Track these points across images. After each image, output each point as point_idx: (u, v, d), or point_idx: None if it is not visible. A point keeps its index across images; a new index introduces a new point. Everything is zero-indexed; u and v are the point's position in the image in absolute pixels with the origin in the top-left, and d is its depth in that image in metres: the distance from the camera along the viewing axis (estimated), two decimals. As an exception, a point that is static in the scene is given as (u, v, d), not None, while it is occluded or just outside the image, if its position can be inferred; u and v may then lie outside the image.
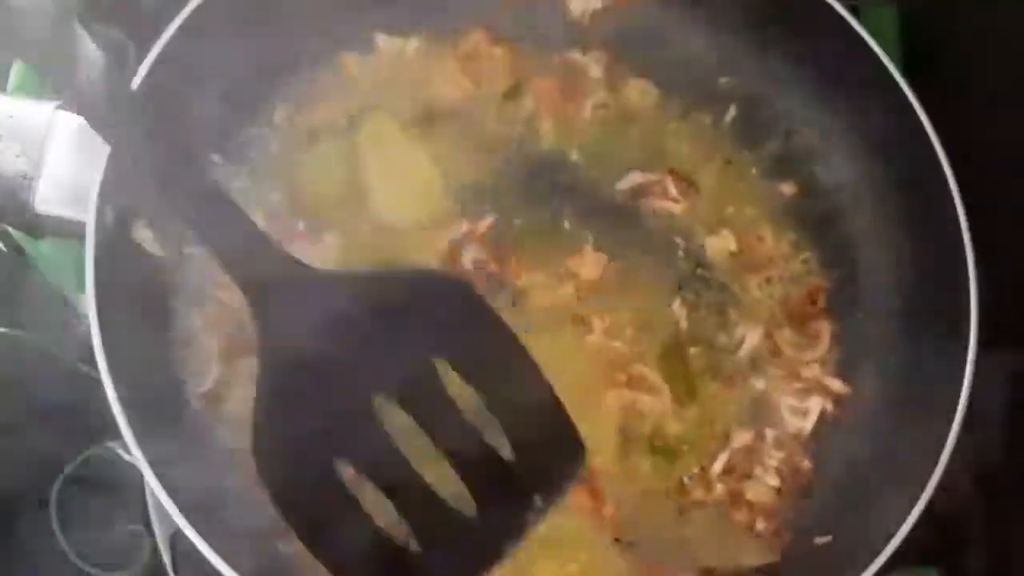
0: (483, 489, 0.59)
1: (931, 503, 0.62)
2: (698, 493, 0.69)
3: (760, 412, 0.72)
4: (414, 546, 0.59)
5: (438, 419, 0.59)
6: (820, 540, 0.67)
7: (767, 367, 0.73)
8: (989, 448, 0.69)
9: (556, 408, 0.60)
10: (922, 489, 0.62)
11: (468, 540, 0.59)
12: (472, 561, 0.59)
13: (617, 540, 0.68)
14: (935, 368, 0.68)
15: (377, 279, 0.62)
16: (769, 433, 0.71)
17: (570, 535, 0.66)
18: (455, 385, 0.60)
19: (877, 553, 0.61)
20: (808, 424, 0.72)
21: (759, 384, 0.72)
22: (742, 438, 0.71)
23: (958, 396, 0.65)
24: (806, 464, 0.71)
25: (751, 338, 0.73)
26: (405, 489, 0.58)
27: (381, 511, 0.59)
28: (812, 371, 0.73)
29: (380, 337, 0.59)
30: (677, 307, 0.73)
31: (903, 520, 0.62)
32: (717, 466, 0.70)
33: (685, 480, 0.69)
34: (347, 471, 0.59)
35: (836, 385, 0.73)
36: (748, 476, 0.70)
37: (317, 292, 0.59)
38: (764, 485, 0.70)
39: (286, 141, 0.74)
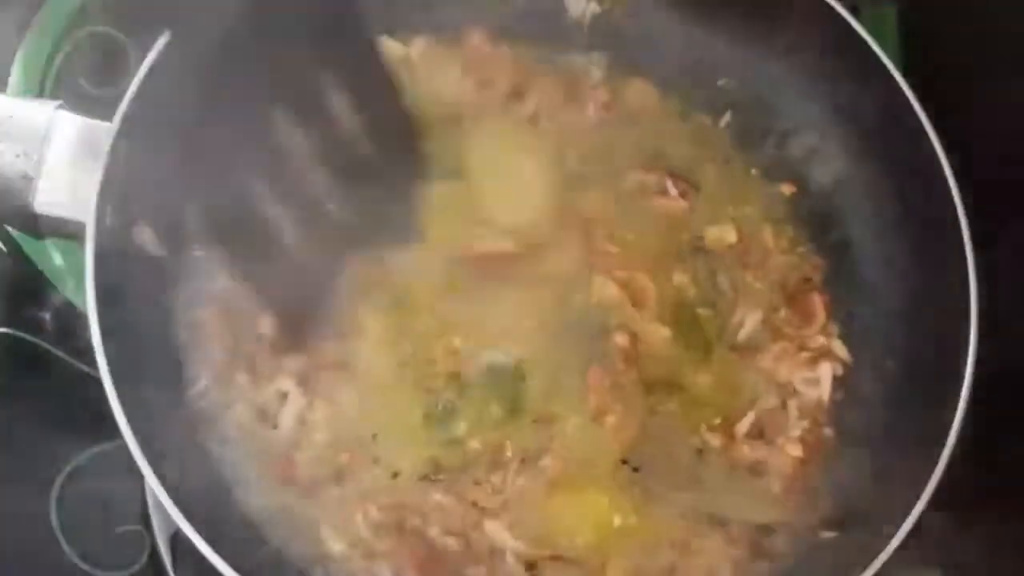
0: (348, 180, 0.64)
1: (931, 503, 0.62)
2: (716, 442, 0.69)
3: (776, 384, 0.72)
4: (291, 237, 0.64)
5: (323, 128, 0.63)
6: (826, 535, 0.67)
7: (772, 344, 0.73)
8: (989, 447, 0.69)
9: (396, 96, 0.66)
10: (923, 487, 0.62)
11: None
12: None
13: (624, 462, 0.68)
14: (934, 367, 0.68)
15: None
16: (792, 403, 0.71)
17: (580, 458, 0.67)
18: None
19: (877, 552, 0.61)
20: (824, 391, 0.72)
21: (768, 358, 0.72)
22: (768, 401, 0.71)
23: (958, 396, 0.65)
24: (828, 432, 0.71)
25: (751, 321, 0.73)
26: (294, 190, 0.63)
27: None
28: (816, 342, 0.73)
29: (272, 49, 0.61)
30: (678, 277, 0.73)
31: (904, 519, 0.62)
32: (745, 423, 0.70)
33: (704, 428, 0.70)
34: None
35: (841, 350, 0.73)
36: (772, 444, 0.70)
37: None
38: (787, 455, 0.70)
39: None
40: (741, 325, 0.73)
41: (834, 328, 0.74)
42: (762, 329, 0.73)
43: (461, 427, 0.67)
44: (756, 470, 0.69)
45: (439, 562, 0.65)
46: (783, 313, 0.74)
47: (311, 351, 0.68)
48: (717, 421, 0.70)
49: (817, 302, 0.74)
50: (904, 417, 0.69)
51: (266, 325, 0.69)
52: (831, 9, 0.73)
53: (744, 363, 0.72)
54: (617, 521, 0.67)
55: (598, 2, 0.80)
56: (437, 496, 0.66)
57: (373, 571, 0.65)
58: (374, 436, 0.67)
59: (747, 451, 0.70)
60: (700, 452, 0.69)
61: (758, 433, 0.70)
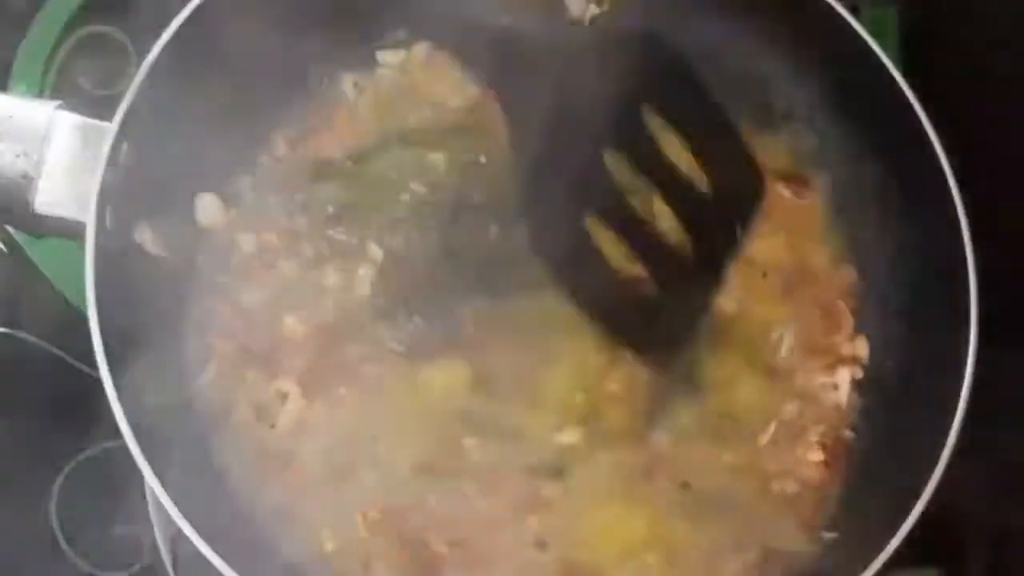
0: (694, 222, 0.68)
1: (931, 503, 0.62)
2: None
3: (795, 392, 0.71)
4: (648, 286, 0.68)
5: (652, 162, 0.67)
6: (826, 535, 0.67)
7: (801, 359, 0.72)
8: (989, 447, 0.69)
9: (740, 144, 0.69)
10: (923, 488, 0.62)
11: (690, 272, 0.69)
12: (698, 289, 0.69)
13: (684, 485, 0.67)
14: (935, 368, 0.68)
15: (592, 44, 0.71)
16: (809, 409, 0.71)
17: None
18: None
19: (877, 552, 0.61)
20: (842, 396, 0.71)
21: (799, 375, 0.72)
22: (786, 410, 0.70)
23: (958, 396, 0.65)
24: (848, 435, 0.71)
25: (788, 336, 0.72)
26: (637, 233, 0.67)
27: (620, 259, 0.68)
28: (844, 349, 0.73)
29: (601, 93, 0.65)
30: None
31: (903, 520, 0.62)
32: (764, 438, 0.69)
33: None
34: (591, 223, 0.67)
35: (862, 350, 0.72)
36: (793, 452, 0.69)
37: (546, 61, 0.66)
38: (809, 462, 0.69)
39: (287, 172, 0.74)
40: (780, 342, 0.72)
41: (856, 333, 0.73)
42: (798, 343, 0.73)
43: (474, 450, 0.68)
44: (777, 478, 0.69)
45: (438, 565, 0.65)
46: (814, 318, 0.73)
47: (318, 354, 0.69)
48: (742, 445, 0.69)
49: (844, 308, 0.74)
50: (904, 417, 0.69)
51: (290, 327, 0.69)
52: (831, 9, 0.73)
53: (767, 385, 0.71)
54: (640, 531, 0.66)
55: (597, 3, 0.80)
56: (437, 500, 0.66)
57: (372, 572, 0.65)
58: (374, 438, 0.67)
59: (769, 464, 0.69)
60: (732, 472, 0.69)
61: (775, 444, 0.70)
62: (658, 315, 0.69)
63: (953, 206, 0.69)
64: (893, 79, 0.71)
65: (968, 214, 0.68)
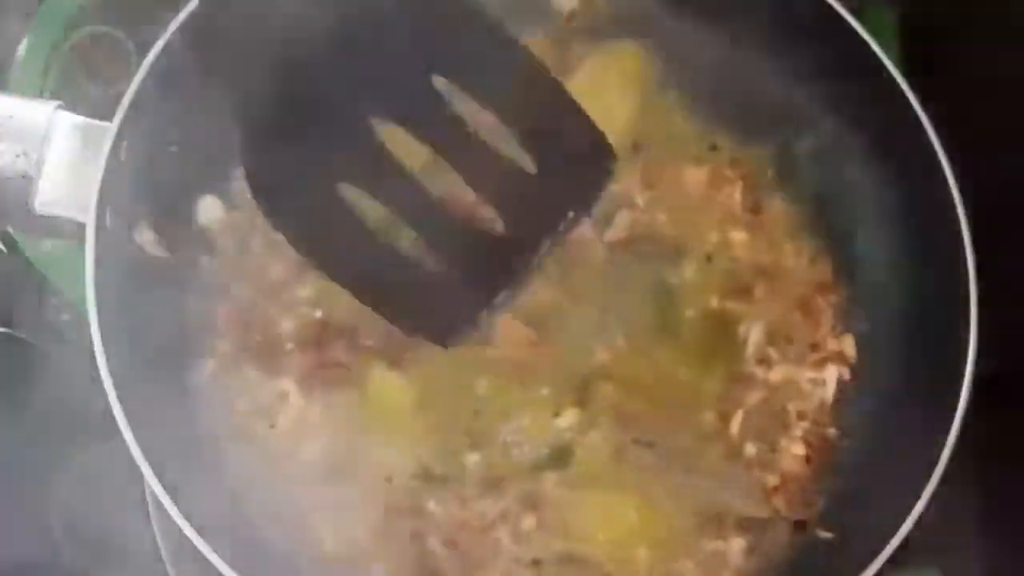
0: (509, 205, 0.57)
1: (931, 503, 0.62)
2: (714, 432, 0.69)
3: (775, 385, 0.71)
4: (433, 264, 0.58)
5: (447, 138, 0.57)
6: (825, 535, 0.67)
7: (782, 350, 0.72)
8: (989, 447, 0.69)
9: (576, 113, 0.57)
10: (922, 488, 0.62)
11: (495, 255, 0.58)
12: (503, 275, 0.58)
13: (636, 441, 0.67)
14: (934, 367, 0.68)
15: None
16: (791, 405, 0.71)
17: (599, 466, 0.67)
18: (464, 103, 0.57)
19: (877, 553, 0.61)
20: (828, 393, 0.71)
21: (776, 372, 0.72)
22: (753, 396, 0.70)
23: (958, 396, 0.65)
24: (832, 432, 0.71)
25: (755, 334, 0.72)
26: (417, 207, 0.57)
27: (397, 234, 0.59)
28: (827, 345, 0.73)
29: (369, 51, 0.55)
30: None
31: (903, 520, 0.62)
32: (735, 425, 0.69)
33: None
34: (351, 193, 0.58)
35: (849, 348, 0.72)
36: (774, 445, 0.70)
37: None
38: (790, 455, 0.69)
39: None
40: (746, 341, 0.72)
41: (842, 330, 0.73)
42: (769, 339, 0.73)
43: (474, 451, 0.68)
44: (758, 465, 0.69)
45: (437, 565, 0.65)
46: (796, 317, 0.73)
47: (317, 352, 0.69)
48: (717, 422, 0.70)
49: (826, 307, 0.74)
50: (903, 417, 0.69)
51: (290, 327, 0.69)
52: (831, 9, 0.73)
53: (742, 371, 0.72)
54: (631, 516, 0.66)
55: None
56: (435, 503, 0.66)
57: (372, 572, 0.65)
58: (373, 438, 0.67)
59: (749, 449, 0.69)
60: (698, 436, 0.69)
61: (754, 433, 0.70)
62: (440, 293, 0.59)
63: (953, 206, 0.69)
64: (893, 79, 0.71)
65: (968, 214, 0.68)
